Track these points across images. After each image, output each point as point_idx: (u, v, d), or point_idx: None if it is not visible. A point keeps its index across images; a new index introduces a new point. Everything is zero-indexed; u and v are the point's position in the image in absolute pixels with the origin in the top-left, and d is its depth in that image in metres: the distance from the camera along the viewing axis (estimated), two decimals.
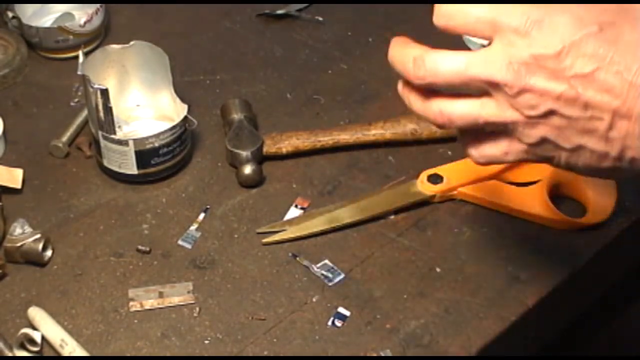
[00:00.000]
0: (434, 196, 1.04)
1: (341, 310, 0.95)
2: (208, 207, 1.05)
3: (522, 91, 0.69)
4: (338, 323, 0.94)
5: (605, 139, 0.69)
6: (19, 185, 1.06)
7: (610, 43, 0.68)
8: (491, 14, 0.69)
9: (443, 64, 0.70)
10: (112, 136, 1.03)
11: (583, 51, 0.67)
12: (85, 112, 1.10)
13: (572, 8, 0.69)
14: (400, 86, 0.75)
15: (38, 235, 0.98)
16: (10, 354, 0.90)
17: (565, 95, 0.68)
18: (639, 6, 0.70)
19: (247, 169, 1.06)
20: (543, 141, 0.71)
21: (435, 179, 1.04)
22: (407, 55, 0.72)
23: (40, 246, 0.98)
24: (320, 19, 1.28)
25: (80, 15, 1.21)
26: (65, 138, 1.10)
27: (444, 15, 0.71)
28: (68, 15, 1.24)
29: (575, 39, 0.67)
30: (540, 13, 0.68)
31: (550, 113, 0.69)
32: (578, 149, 0.71)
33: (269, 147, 1.09)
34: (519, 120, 0.70)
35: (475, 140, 0.74)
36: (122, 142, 1.04)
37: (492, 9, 0.70)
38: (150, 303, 0.96)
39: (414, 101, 0.74)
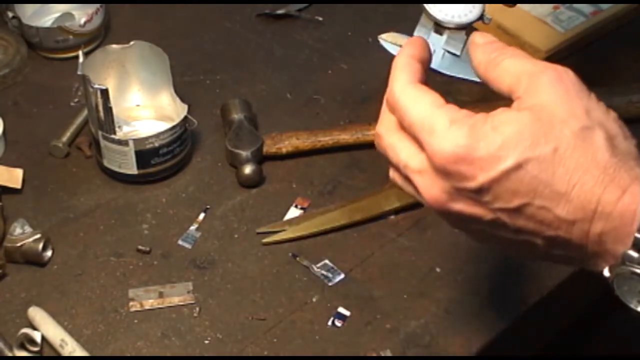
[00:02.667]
0: None
1: (341, 310, 0.95)
2: (208, 207, 1.05)
3: (445, 213, 0.71)
4: (338, 323, 0.94)
5: (545, 251, 0.69)
6: (19, 185, 1.06)
7: (539, 174, 0.65)
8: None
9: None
10: (112, 136, 1.03)
11: (505, 188, 0.66)
12: (85, 112, 1.10)
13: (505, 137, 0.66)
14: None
15: (38, 235, 0.98)
16: (10, 354, 0.90)
17: (492, 222, 0.68)
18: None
19: (247, 169, 1.06)
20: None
21: None
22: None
23: (40, 246, 0.98)
24: (320, 19, 1.27)
25: (80, 15, 1.21)
26: (65, 138, 1.10)
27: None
28: (68, 15, 1.23)
29: (495, 175, 0.66)
30: (473, 146, 0.67)
31: (477, 228, 0.70)
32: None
33: (269, 147, 1.09)
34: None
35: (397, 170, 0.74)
36: (122, 142, 1.04)
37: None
38: (150, 303, 0.96)
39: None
